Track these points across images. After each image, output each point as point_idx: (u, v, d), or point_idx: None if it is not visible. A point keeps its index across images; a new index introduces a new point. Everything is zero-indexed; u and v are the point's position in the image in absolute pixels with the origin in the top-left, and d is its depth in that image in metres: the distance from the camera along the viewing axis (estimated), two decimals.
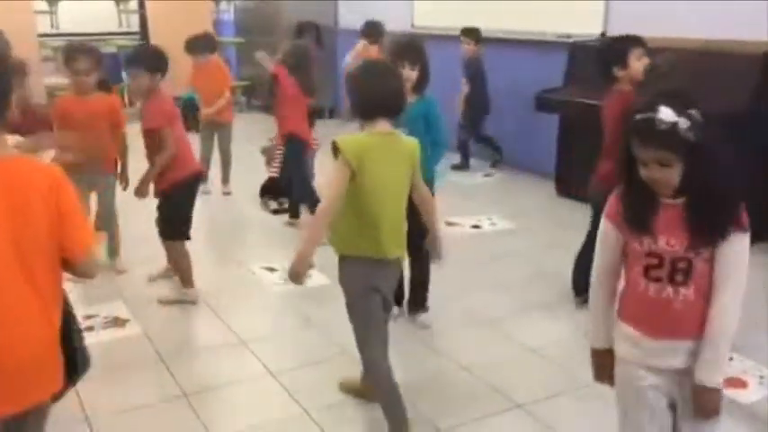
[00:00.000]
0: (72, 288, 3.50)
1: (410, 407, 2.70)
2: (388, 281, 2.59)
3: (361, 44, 6.41)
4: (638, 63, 3.45)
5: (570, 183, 5.74)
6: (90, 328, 3.47)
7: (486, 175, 6.55)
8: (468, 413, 2.85)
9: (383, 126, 2.47)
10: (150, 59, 3.75)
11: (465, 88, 6.46)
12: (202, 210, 4.66)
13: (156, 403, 2.93)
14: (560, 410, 2.87)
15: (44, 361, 1.78)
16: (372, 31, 6.38)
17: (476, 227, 5.13)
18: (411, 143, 2.56)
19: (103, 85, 4.36)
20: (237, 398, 2.97)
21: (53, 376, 1.82)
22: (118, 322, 3.63)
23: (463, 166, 6.70)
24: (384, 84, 2.48)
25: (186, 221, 3.83)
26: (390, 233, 2.49)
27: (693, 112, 1.67)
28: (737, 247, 1.75)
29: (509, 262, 4.48)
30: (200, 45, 5.82)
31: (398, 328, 3.57)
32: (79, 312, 3.44)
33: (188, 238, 3.85)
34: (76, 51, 3.93)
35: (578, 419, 2.82)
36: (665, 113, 1.66)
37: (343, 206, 2.41)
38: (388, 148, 2.47)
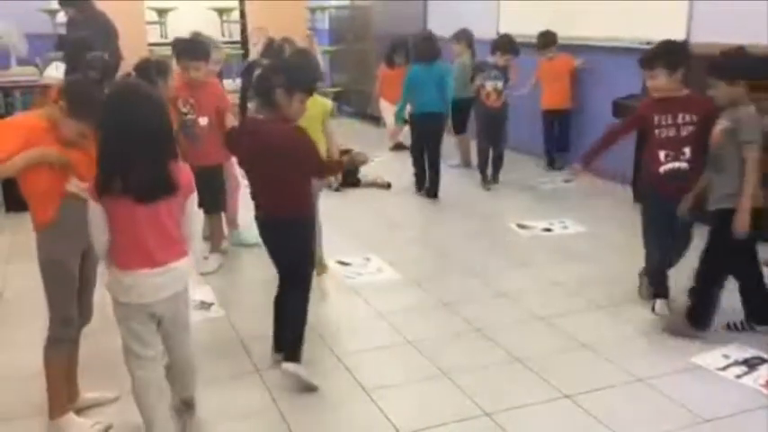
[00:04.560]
0: None
1: (459, 390, 2.89)
2: None
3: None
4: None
5: None
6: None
7: (566, 181, 6.60)
8: (517, 400, 3.01)
9: None
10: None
11: None
12: None
13: (227, 379, 3.24)
14: (607, 403, 2.99)
15: None
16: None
17: (547, 230, 5.24)
18: None
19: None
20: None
21: None
22: (204, 305, 3.99)
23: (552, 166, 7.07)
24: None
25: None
26: None
27: None
28: None
29: (576, 264, 4.57)
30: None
31: (452, 320, 3.77)
32: None
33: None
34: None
35: (624, 412, 2.93)
36: None
37: None
38: None
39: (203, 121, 4.38)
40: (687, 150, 3.60)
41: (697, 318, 3.50)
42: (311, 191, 3.33)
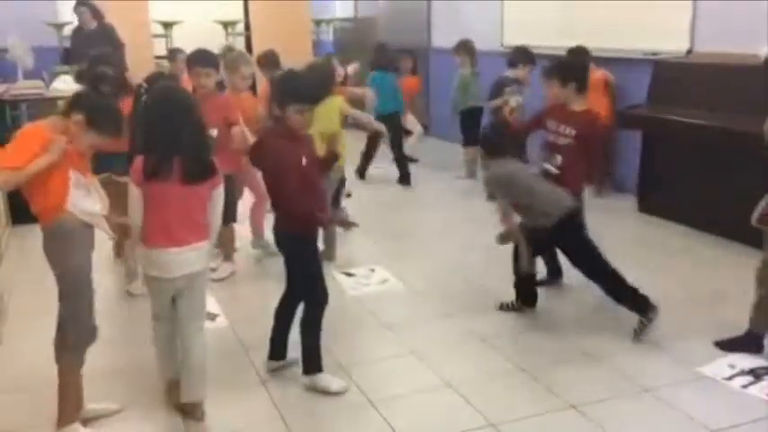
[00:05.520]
0: None
1: (463, 400, 2.89)
2: None
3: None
4: None
5: (653, 199, 5.75)
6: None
7: None
8: (523, 410, 3.01)
9: None
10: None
11: None
12: None
13: (231, 389, 3.25)
14: (613, 413, 2.98)
15: None
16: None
17: None
18: None
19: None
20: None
21: None
22: (209, 316, 3.99)
23: None
24: None
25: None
26: None
27: None
28: None
29: (580, 274, 4.55)
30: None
31: (456, 330, 3.77)
32: None
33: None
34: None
35: (629, 422, 2.92)
36: None
37: None
38: None
39: (213, 133, 4.39)
40: (559, 158, 3.93)
41: (642, 307, 3.61)
42: (305, 209, 3.11)
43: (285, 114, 3.07)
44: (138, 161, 2.74)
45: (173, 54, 6.78)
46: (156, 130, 2.75)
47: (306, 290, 3.21)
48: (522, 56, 6.31)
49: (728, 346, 3.46)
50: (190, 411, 2.91)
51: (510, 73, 6.26)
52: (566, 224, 3.66)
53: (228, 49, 5.33)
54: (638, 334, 3.58)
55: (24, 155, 2.57)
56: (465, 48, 7.02)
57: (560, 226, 3.65)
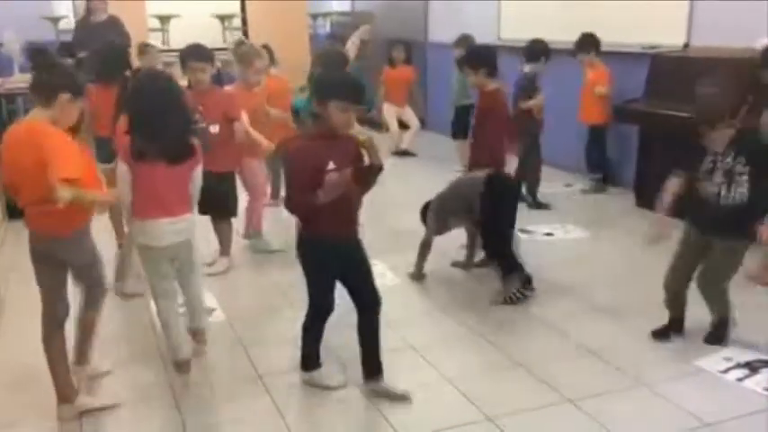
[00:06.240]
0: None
1: (461, 395, 2.90)
2: None
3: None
4: None
5: (650, 194, 5.73)
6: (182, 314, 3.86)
7: (567, 185, 6.61)
8: (520, 404, 3.02)
9: None
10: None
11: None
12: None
13: (229, 384, 3.25)
14: (610, 407, 2.99)
15: None
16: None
17: (548, 234, 5.24)
18: None
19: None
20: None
21: None
22: (206, 311, 3.99)
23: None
24: None
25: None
26: None
27: None
28: None
29: (577, 268, 4.57)
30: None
31: (455, 325, 3.77)
32: None
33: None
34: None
35: (626, 416, 2.93)
36: None
37: None
38: None
39: (214, 128, 4.38)
40: (470, 134, 4.71)
41: (513, 279, 4.02)
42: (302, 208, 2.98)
43: (326, 112, 2.86)
44: (126, 140, 2.97)
45: (143, 49, 6.80)
46: (141, 115, 2.95)
47: (309, 292, 3.11)
48: (543, 49, 5.90)
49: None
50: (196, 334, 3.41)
51: (528, 68, 5.87)
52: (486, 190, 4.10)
53: (240, 43, 5.27)
54: (498, 301, 3.99)
55: (78, 165, 2.68)
56: (465, 42, 6.92)
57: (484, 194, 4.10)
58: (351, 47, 6.75)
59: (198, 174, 3.12)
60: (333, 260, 3.00)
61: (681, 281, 3.46)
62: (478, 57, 4.49)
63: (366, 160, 3.01)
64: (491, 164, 4.23)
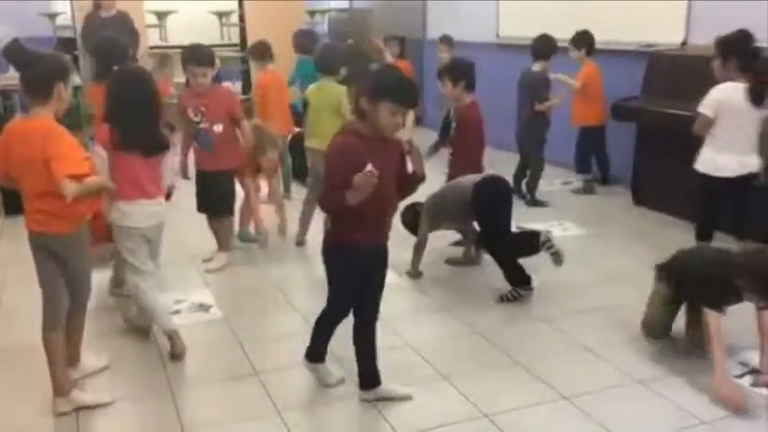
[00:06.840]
0: (165, 276, 3.96)
1: (458, 392, 2.90)
2: None
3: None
4: None
5: (647, 191, 5.76)
6: (177, 312, 3.88)
7: (565, 183, 6.61)
8: (517, 402, 3.02)
9: None
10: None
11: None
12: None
13: (225, 380, 3.25)
14: (607, 404, 2.99)
15: None
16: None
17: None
18: None
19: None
20: (301, 378, 3.22)
21: None
22: (203, 307, 3.99)
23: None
24: None
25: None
26: None
27: None
28: None
29: (574, 266, 4.55)
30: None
31: (452, 323, 3.77)
32: (170, 297, 3.88)
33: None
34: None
35: (623, 414, 2.93)
36: None
37: None
38: None
39: (218, 128, 4.35)
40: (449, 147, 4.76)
41: (518, 279, 4.05)
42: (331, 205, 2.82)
43: (376, 112, 2.69)
44: (106, 128, 3.17)
45: (164, 62, 6.85)
46: (118, 109, 3.16)
47: (329, 296, 3.02)
48: (553, 46, 5.81)
49: None
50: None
51: (539, 66, 5.80)
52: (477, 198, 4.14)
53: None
54: (504, 300, 4.01)
55: (82, 162, 2.78)
56: (446, 41, 6.97)
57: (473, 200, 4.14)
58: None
59: (167, 163, 3.43)
60: (360, 268, 2.89)
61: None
62: (461, 70, 4.57)
63: (409, 168, 2.90)
64: (472, 170, 4.40)
